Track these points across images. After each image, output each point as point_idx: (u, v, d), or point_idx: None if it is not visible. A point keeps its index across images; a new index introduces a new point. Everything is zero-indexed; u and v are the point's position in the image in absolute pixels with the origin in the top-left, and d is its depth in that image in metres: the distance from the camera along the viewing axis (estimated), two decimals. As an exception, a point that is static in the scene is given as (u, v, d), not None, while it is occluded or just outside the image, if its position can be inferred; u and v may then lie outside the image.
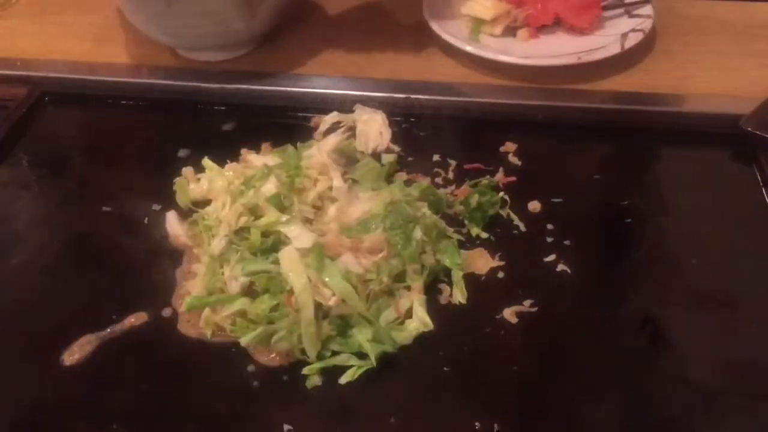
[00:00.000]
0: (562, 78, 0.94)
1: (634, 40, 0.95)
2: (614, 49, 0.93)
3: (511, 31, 1.00)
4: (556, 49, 0.97)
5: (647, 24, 0.97)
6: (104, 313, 0.71)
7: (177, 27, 0.94)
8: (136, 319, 0.71)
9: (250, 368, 0.67)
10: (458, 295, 0.71)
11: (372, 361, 0.65)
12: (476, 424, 0.62)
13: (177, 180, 0.81)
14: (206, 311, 0.69)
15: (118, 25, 1.07)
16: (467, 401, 0.64)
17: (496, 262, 0.75)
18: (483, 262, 0.75)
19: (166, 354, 0.69)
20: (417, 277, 0.71)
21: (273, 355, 0.67)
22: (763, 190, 0.81)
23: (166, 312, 0.71)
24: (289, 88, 0.95)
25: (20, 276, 0.77)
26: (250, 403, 0.65)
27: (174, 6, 0.89)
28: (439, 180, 0.83)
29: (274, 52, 1.02)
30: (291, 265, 0.67)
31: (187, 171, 0.82)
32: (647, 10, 1.00)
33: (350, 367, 0.66)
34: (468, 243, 0.76)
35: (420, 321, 0.68)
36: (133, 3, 0.94)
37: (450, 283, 0.72)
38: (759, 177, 0.82)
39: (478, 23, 1.00)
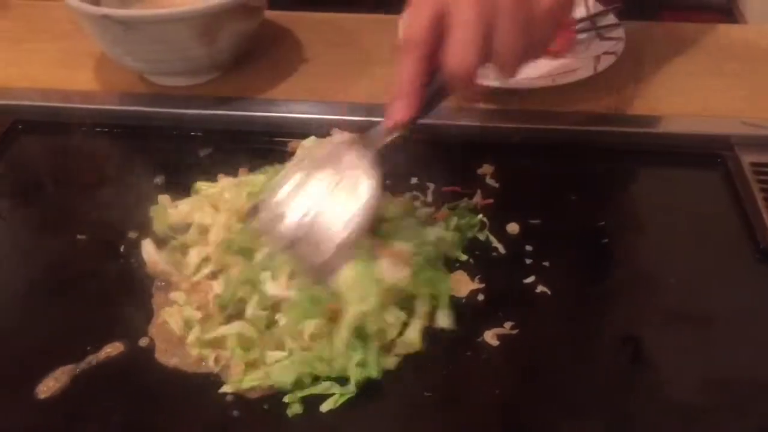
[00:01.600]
0: (537, 100, 0.95)
1: (606, 62, 0.96)
2: (587, 72, 0.95)
3: (486, 54, 1.01)
4: (531, 71, 0.97)
5: (619, 46, 0.98)
6: (79, 343, 0.70)
7: (139, 53, 0.94)
8: (112, 350, 0.69)
9: (229, 397, 0.65)
10: (443, 319, 0.71)
11: (353, 388, 0.64)
12: (459, 449, 0.62)
13: (153, 207, 0.81)
14: (195, 330, 0.68)
15: (92, 53, 1.06)
16: (449, 426, 0.64)
17: (475, 285, 0.74)
18: (463, 284, 0.74)
19: (144, 384, 0.67)
20: (424, 302, 0.70)
21: (253, 384, 0.66)
22: (737, 209, 0.82)
23: (143, 341, 0.70)
24: (265, 113, 0.95)
25: (-8, 307, 0.75)
26: (230, 433, 0.64)
27: (130, 33, 0.89)
28: (417, 203, 0.83)
29: (248, 77, 1.02)
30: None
31: (164, 198, 0.81)
32: (619, 32, 1.01)
33: (332, 394, 0.65)
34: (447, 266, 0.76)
35: (408, 343, 0.68)
36: (95, 30, 0.94)
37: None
38: (733, 196, 0.83)
39: (453, 47, 1.01)
